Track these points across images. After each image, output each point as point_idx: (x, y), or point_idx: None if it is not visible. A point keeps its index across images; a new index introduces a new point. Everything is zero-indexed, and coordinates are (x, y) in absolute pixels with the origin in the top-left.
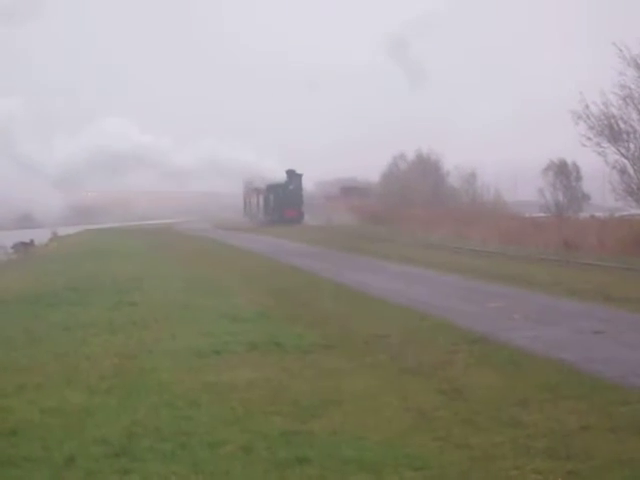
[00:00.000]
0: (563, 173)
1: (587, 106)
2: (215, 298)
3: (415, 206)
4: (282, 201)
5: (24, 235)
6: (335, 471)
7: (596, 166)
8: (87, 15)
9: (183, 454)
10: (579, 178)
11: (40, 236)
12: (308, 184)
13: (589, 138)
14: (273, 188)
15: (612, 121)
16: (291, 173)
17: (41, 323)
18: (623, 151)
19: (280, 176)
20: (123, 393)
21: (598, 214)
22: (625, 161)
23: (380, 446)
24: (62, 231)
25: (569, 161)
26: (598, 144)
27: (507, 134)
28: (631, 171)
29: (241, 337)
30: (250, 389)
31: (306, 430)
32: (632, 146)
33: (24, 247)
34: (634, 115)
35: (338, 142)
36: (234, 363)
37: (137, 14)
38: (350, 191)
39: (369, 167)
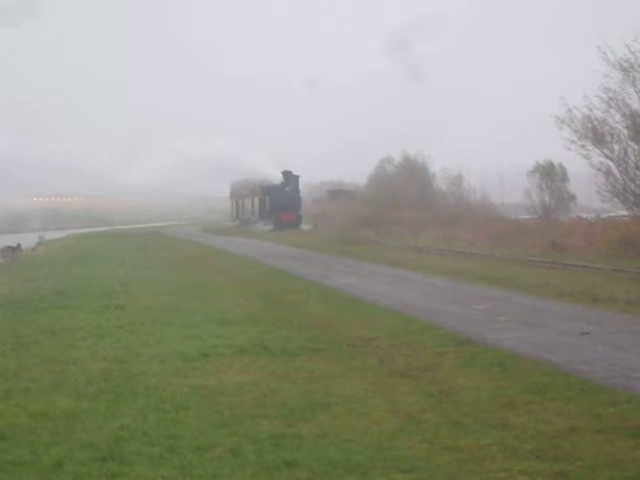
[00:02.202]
0: (549, 175)
1: (570, 110)
2: (203, 302)
3: (402, 209)
4: (278, 204)
5: (11, 240)
6: (323, 474)
7: (582, 167)
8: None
9: (171, 458)
10: (565, 179)
11: (28, 241)
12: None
13: (573, 142)
14: (268, 190)
15: (596, 124)
16: (287, 174)
17: (28, 327)
18: (608, 153)
19: (274, 177)
20: (111, 397)
21: (584, 215)
22: (610, 163)
23: (368, 449)
24: (50, 236)
25: (555, 163)
26: (583, 147)
27: (494, 136)
28: (616, 172)
29: (229, 341)
30: (238, 393)
31: (294, 433)
32: (616, 148)
33: (11, 252)
34: (618, 117)
35: (327, 146)
36: (222, 367)
37: (135, 16)
38: (337, 194)
39: (358, 171)
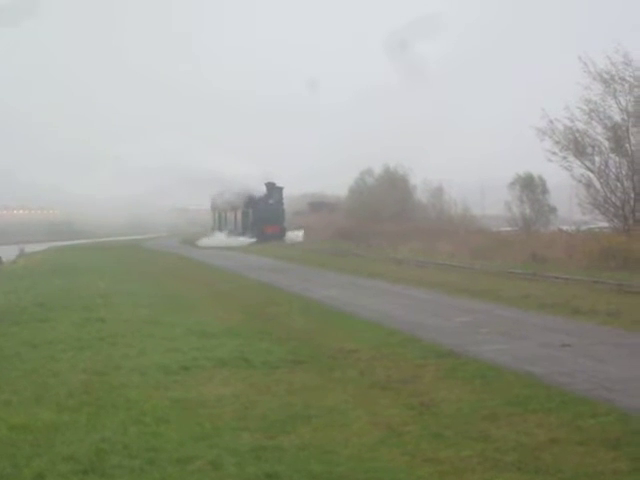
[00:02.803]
0: (529, 187)
1: (551, 122)
2: (183, 314)
3: (383, 221)
4: (262, 217)
5: None
6: None
7: (563, 179)
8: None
9: (152, 470)
10: (545, 191)
11: (7, 253)
12: None
13: (554, 153)
14: (252, 202)
15: (577, 135)
16: (271, 186)
17: (9, 340)
18: (589, 165)
19: (257, 189)
20: (92, 410)
21: (565, 227)
22: (591, 175)
23: (349, 461)
24: (30, 248)
25: (535, 174)
26: (564, 158)
27: (475, 149)
28: (597, 184)
29: (209, 353)
30: (219, 405)
31: (275, 446)
32: (597, 160)
33: None
34: (599, 129)
35: (309, 158)
36: (202, 379)
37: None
38: (319, 206)
39: (340, 184)
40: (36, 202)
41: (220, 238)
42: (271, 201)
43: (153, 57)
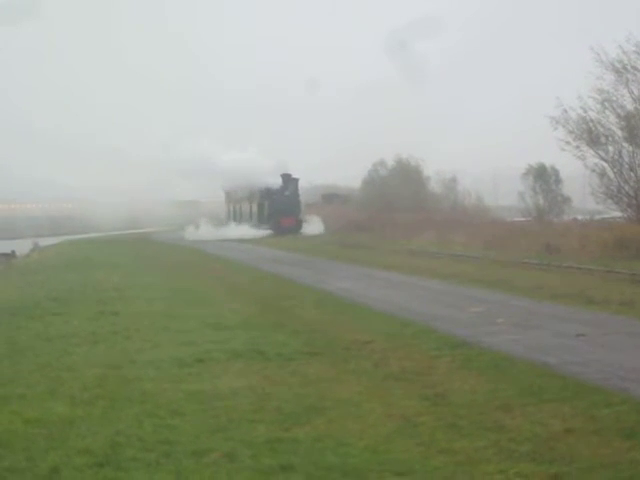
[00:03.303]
0: (542, 177)
1: (565, 111)
2: (197, 307)
3: (396, 212)
4: (278, 209)
5: (5, 246)
6: (319, 478)
7: (576, 170)
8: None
9: (167, 463)
10: (559, 181)
11: (21, 247)
12: None
13: (568, 142)
14: (267, 194)
15: (591, 125)
16: (286, 178)
17: (23, 334)
18: (602, 154)
19: (273, 181)
20: (106, 403)
21: (579, 217)
22: (604, 164)
23: (364, 452)
24: (43, 242)
25: (548, 165)
26: (577, 148)
27: (489, 139)
28: (610, 174)
29: (224, 345)
30: (233, 397)
31: (290, 437)
32: (611, 149)
33: (5, 258)
34: (612, 118)
35: (322, 150)
36: (217, 372)
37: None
38: (331, 198)
39: (353, 176)
40: (34, 196)
41: (235, 230)
42: (287, 192)
43: (155, 56)
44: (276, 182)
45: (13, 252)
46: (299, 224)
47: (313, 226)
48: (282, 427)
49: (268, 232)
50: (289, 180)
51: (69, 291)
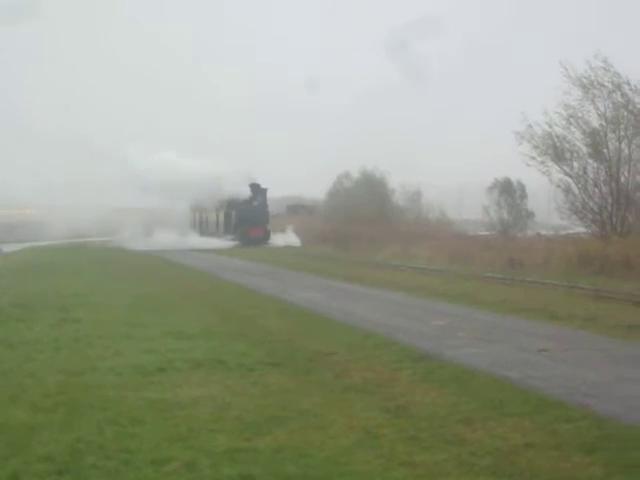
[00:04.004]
0: (507, 191)
1: (530, 126)
2: (159, 315)
3: (361, 224)
4: (246, 219)
5: None
6: None
7: (541, 186)
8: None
9: (127, 471)
10: (524, 196)
11: None
12: None
13: (533, 157)
14: (235, 204)
15: (556, 140)
16: (255, 187)
17: None
18: (567, 170)
19: (240, 190)
20: (67, 410)
21: (543, 232)
22: (569, 180)
23: (325, 463)
24: (7, 248)
25: (514, 179)
26: (542, 163)
27: (454, 152)
28: (575, 190)
29: (185, 355)
30: (194, 406)
31: (250, 447)
32: (576, 165)
33: None
34: (577, 134)
35: (290, 162)
36: (178, 381)
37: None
38: (296, 209)
39: (318, 188)
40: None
41: (200, 240)
42: (255, 202)
43: (145, 56)
44: (244, 192)
45: None
46: (267, 235)
47: (288, 238)
48: (242, 437)
49: (235, 242)
50: (258, 190)
51: (32, 297)
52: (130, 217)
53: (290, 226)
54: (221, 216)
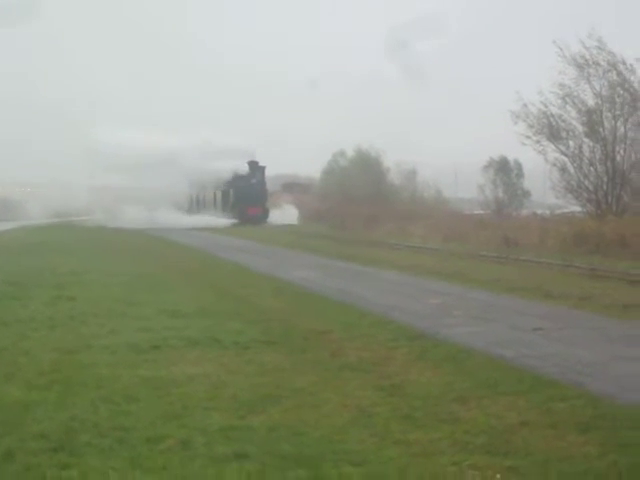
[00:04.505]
0: (503, 170)
1: (525, 105)
2: (155, 294)
3: (356, 203)
4: (244, 197)
5: None
6: (274, 466)
7: (537, 165)
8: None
9: (121, 449)
10: (520, 175)
11: None
12: None
13: (528, 137)
14: (233, 182)
15: (551, 120)
16: (253, 165)
17: None
18: (563, 149)
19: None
20: (62, 388)
21: (539, 211)
22: (565, 159)
23: (319, 442)
24: (5, 226)
25: (510, 158)
26: (538, 142)
27: (450, 131)
28: (571, 169)
29: (180, 333)
30: (189, 384)
31: (245, 426)
32: (571, 144)
33: None
34: (573, 114)
35: (288, 140)
36: (173, 359)
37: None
38: (291, 187)
39: (314, 166)
40: None
41: (197, 219)
42: (253, 180)
43: (144, 56)
44: (242, 169)
45: None
46: (265, 213)
47: (285, 216)
48: (237, 415)
49: (233, 221)
50: (256, 167)
51: (27, 275)
52: (117, 195)
53: (288, 204)
54: (219, 194)
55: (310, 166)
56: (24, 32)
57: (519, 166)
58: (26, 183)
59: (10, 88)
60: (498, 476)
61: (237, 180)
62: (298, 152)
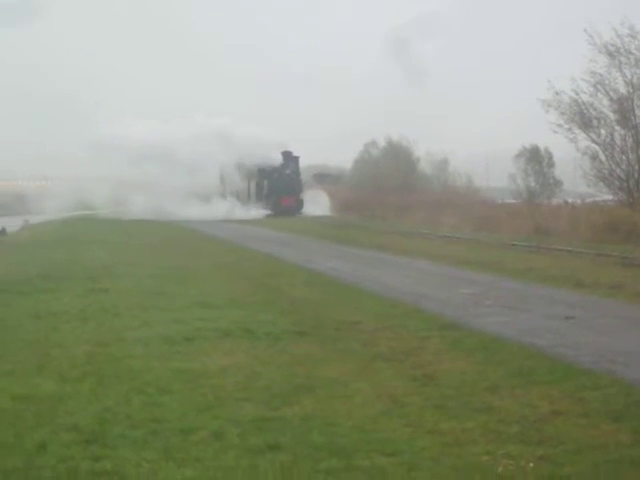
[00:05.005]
0: (535, 159)
1: (557, 93)
2: (187, 285)
3: (387, 193)
4: (278, 188)
5: None
6: (306, 457)
7: (567, 153)
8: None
9: (154, 441)
10: (551, 164)
11: (12, 224)
12: None
13: (560, 125)
14: (267, 172)
15: (583, 108)
16: (287, 155)
17: (12, 311)
18: (594, 137)
19: (272, 157)
20: (94, 380)
21: (570, 200)
22: (596, 147)
23: (352, 432)
24: (34, 219)
25: (541, 147)
26: (569, 130)
27: (481, 121)
28: (602, 157)
29: (213, 324)
30: (221, 376)
31: (278, 416)
32: (603, 132)
33: None
34: (605, 102)
35: (319, 132)
36: (206, 350)
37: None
38: (322, 178)
39: (343, 156)
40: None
41: (230, 210)
42: (288, 171)
43: (144, 56)
44: (276, 159)
45: (4, 229)
46: (300, 204)
47: (318, 206)
48: (270, 406)
49: (266, 212)
50: (290, 158)
51: (59, 268)
52: (149, 189)
53: (322, 194)
54: (252, 185)
55: (336, 154)
56: (24, 32)
57: (550, 155)
58: (41, 177)
59: (23, 82)
60: (531, 465)
61: (271, 171)
62: (322, 140)
